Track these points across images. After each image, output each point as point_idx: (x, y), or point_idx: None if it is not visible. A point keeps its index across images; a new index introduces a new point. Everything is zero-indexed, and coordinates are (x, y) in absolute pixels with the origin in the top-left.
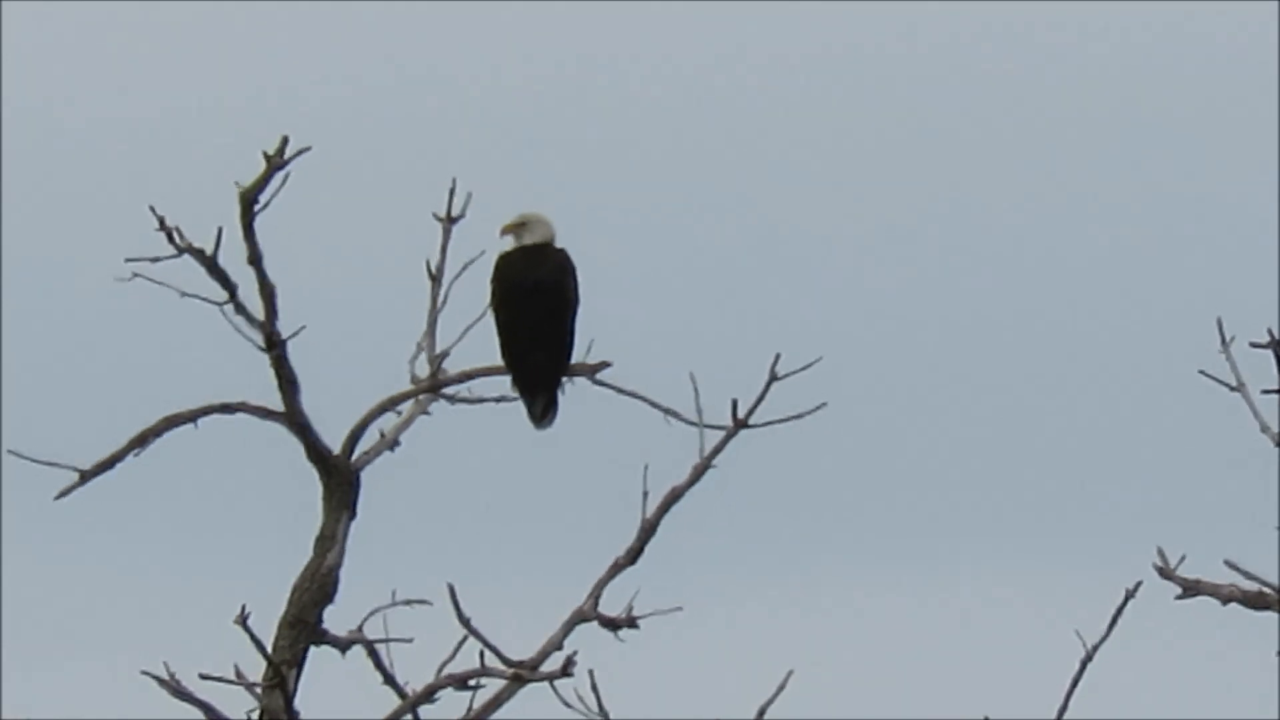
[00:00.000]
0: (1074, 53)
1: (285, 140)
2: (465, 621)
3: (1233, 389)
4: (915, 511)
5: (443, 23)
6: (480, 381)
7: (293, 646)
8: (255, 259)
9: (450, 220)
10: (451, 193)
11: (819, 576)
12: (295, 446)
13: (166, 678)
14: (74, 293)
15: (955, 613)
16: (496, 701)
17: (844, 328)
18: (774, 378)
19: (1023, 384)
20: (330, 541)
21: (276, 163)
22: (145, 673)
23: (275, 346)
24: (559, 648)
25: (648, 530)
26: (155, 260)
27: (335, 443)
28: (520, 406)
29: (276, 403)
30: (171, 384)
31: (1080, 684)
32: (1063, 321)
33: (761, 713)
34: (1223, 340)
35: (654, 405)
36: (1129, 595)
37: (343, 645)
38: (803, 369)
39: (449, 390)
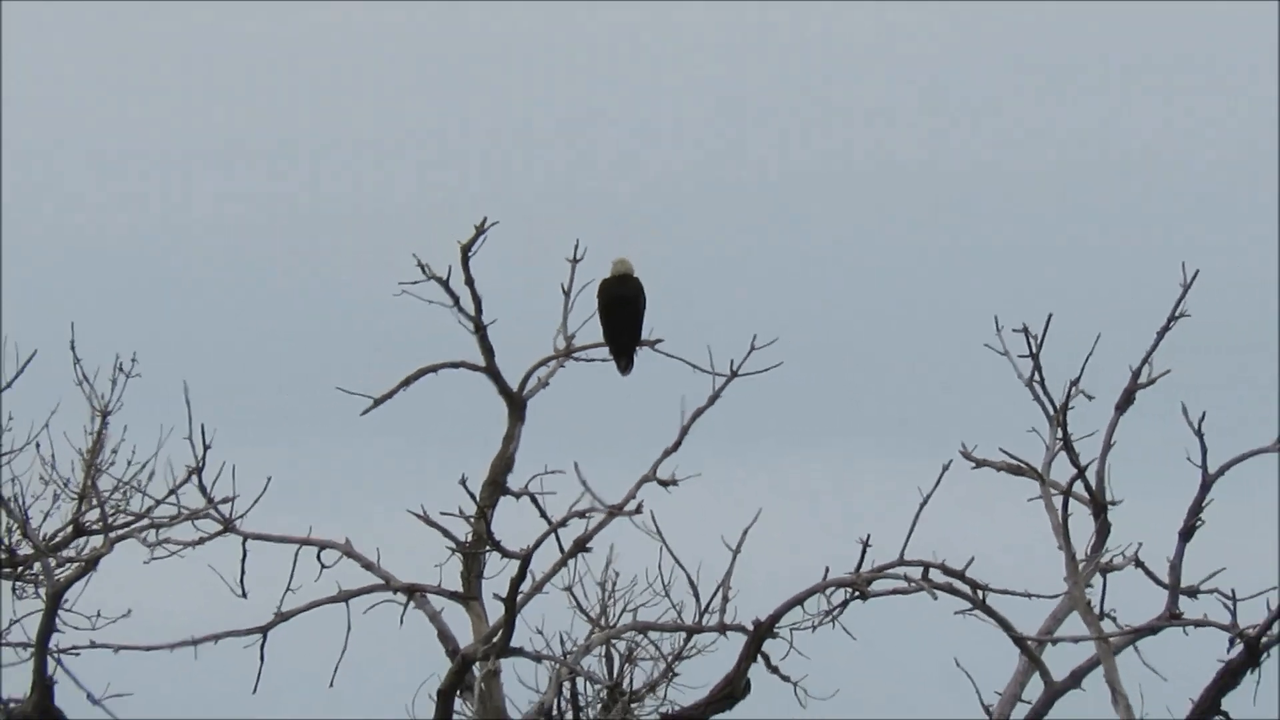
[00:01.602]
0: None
1: (485, 219)
2: (583, 482)
3: (1001, 354)
4: (830, 419)
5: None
6: (592, 350)
7: (490, 496)
8: (469, 282)
9: (575, 261)
10: (576, 245)
11: (777, 455)
12: (490, 387)
13: (421, 514)
14: (370, 302)
15: (848, 479)
16: (599, 527)
17: (790, 316)
18: (753, 348)
19: (896, 358)
20: (511, 438)
21: (480, 229)
22: (409, 510)
23: (481, 330)
24: (634, 497)
25: (683, 431)
26: (415, 283)
27: (514, 383)
28: (613, 364)
29: (480, 361)
30: (422, 351)
31: (920, 517)
32: (918, 317)
33: (744, 533)
34: (997, 328)
35: (688, 363)
36: (945, 467)
37: (517, 495)
38: (768, 344)
39: (576, 355)
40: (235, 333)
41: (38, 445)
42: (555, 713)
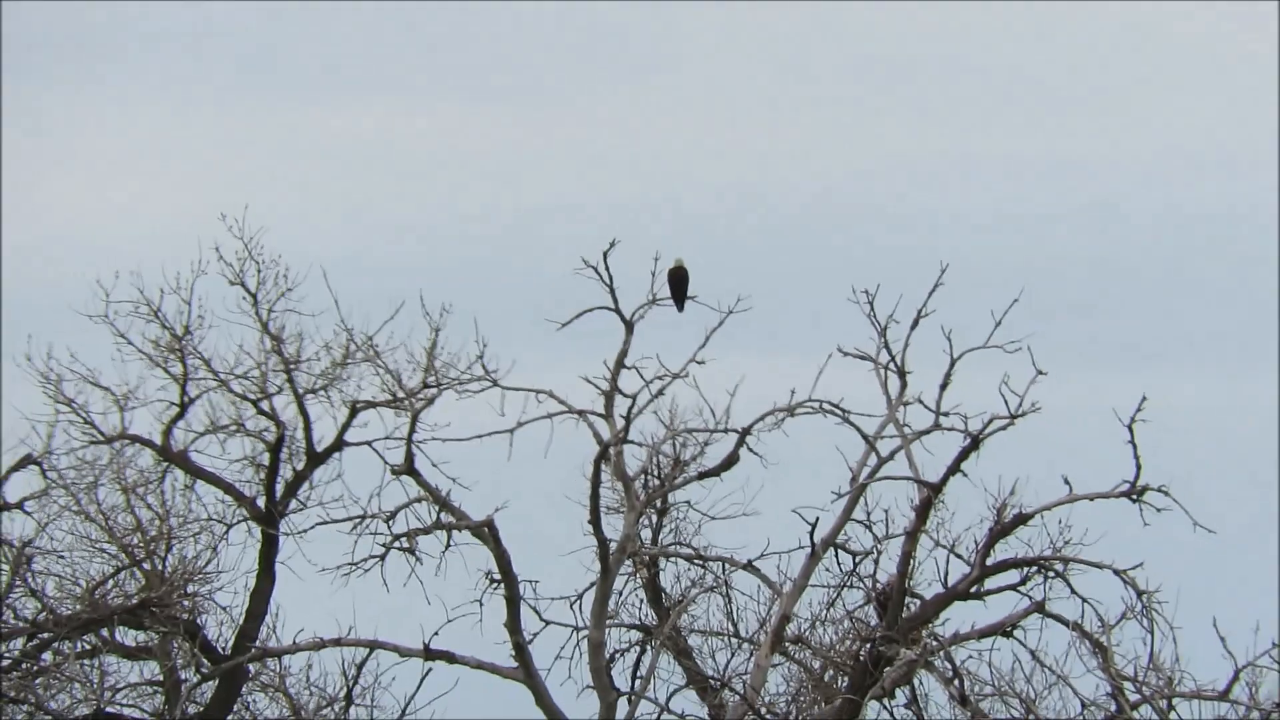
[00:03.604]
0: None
1: (615, 239)
2: (660, 362)
3: (854, 302)
4: (777, 333)
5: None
6: (665, 300)
7: (616, 369)
8: (607, 268)
9: (656, 259)
10: (656, 253)
11: (752, 350)
12: (616, 318)
13: (586, 377)
14: (559, 276)
15: (785, 362)
16: (669, 383)
17: (758, 282)
18: (738, 300)
19: (808, 306)
20: (627, 342)
21: (613, 243)
22: (580, 376)
23: (612, 291)
24: (685, 370)
25: (708, 337)
26: (583, 268)
27: (628, 314)
28: (674, 307)
29: (612, 305)
30: (584, 300)
31: (819, 380)
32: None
33: (736, 387)
34: (854, 290)
35: (709, 306)
36: (829, 356)
37: (629, 368)
38: (747, 297)
39: (658, 301)
40: (495, 291)
41: (404, 345)
42: (647, 469)
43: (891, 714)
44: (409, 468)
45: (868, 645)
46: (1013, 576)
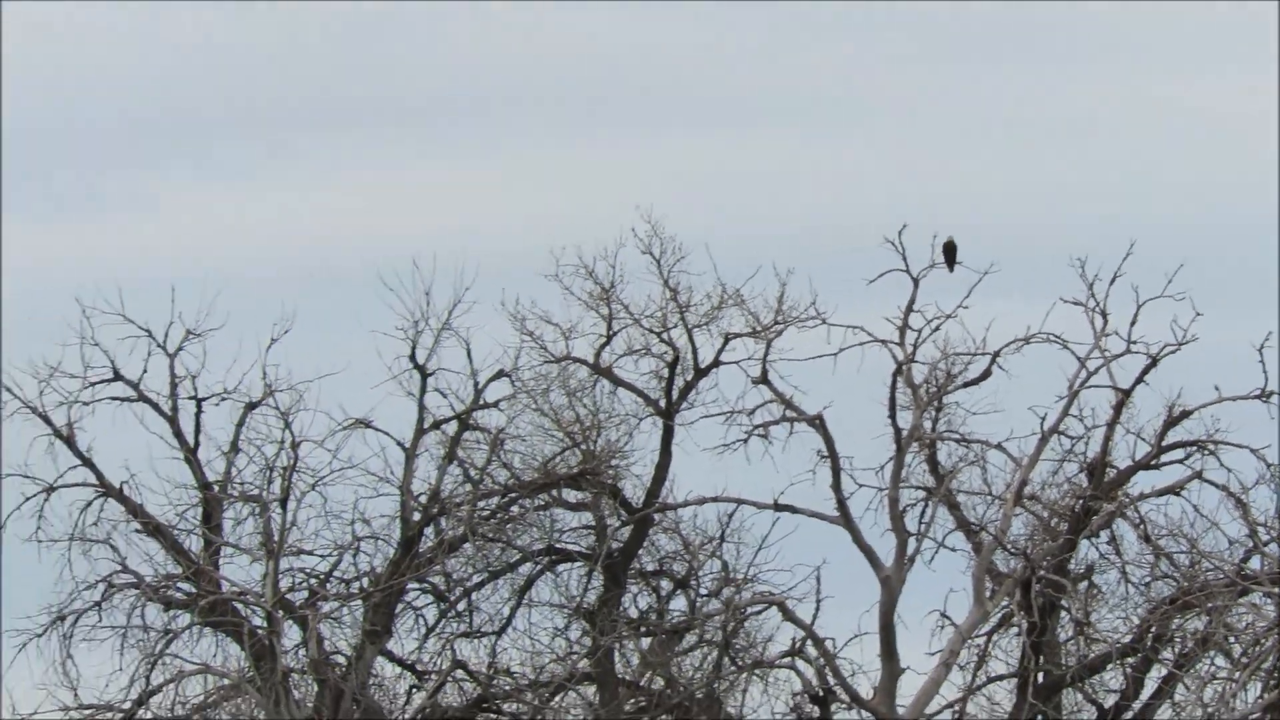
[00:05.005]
0: None
1: (905, 224)
2: (938, 307)
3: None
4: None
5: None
6: (940, 264)
7: (908, 312)
8: (901, 242)
9: (934, 236)
10: (935, 232)
11: (1004, 298)
12: (906, 277)
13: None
14: (869, 248)
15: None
16: (944, 321)
17: (1004, 245)
18: (990, 265)
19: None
20: (914, 293)
21: (905, 226)
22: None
23: (904, 259)
24: (954, 310)
25: (970, 289)
26: (884, 243)
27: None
28: (947, 270)
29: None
30: (888, 262)
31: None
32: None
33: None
34: (1073, 259)
35: (971, 268)
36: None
37: (916, 310)
38: (997, 263)
39: (936, 264)
40: (820, 256)
41: (761, 295)
42: (928, 379)
43: (1097, 549)
44: (764, 379)
45: (1080, 501)
46: (1180, 454)
